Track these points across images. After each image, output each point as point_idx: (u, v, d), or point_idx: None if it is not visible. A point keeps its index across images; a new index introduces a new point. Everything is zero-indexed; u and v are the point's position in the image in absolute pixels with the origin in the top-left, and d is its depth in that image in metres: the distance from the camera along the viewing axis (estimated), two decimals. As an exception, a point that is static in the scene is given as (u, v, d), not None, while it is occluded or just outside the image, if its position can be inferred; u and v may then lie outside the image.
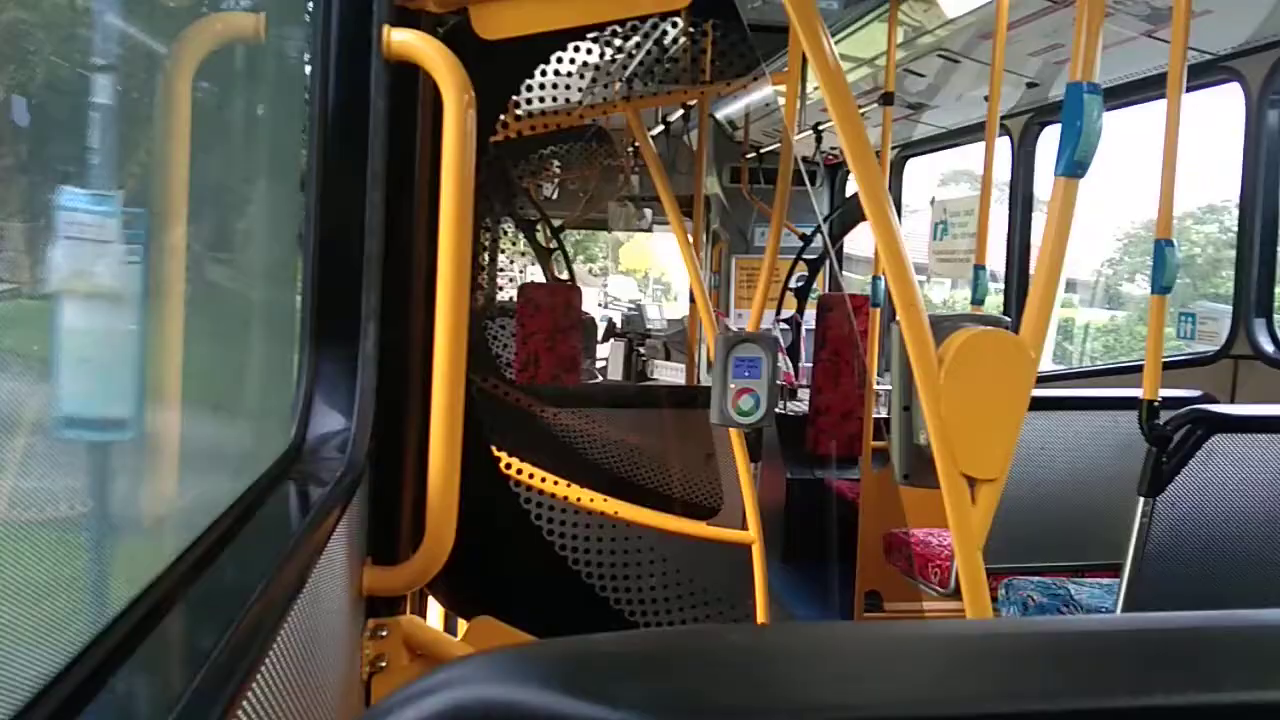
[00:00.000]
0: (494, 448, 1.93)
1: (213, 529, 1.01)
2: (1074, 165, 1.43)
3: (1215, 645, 0.54)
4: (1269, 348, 3.37)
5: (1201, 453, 2.18)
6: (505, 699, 0.45)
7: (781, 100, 3.06)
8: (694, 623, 2.19)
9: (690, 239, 2.89)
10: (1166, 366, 2.36)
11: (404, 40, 1.38)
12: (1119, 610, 2.26)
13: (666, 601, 2.12)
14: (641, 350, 8.20)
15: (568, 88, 1.76)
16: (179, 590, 0.87)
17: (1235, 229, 3.51)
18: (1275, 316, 3.43)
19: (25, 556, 0.79)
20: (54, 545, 0.89)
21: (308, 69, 1.37)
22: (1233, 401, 3.37)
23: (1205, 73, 3.47)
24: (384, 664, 1.55)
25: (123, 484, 1.07)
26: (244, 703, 0.78)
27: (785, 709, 0.45)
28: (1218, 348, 3.52)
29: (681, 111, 5.22)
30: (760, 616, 2.34)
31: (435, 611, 2.58)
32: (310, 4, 1.37)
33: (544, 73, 1.73)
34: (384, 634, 1.55)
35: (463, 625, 2.04)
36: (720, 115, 5.68)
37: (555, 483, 2.00)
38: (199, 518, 1.02)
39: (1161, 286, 2.24)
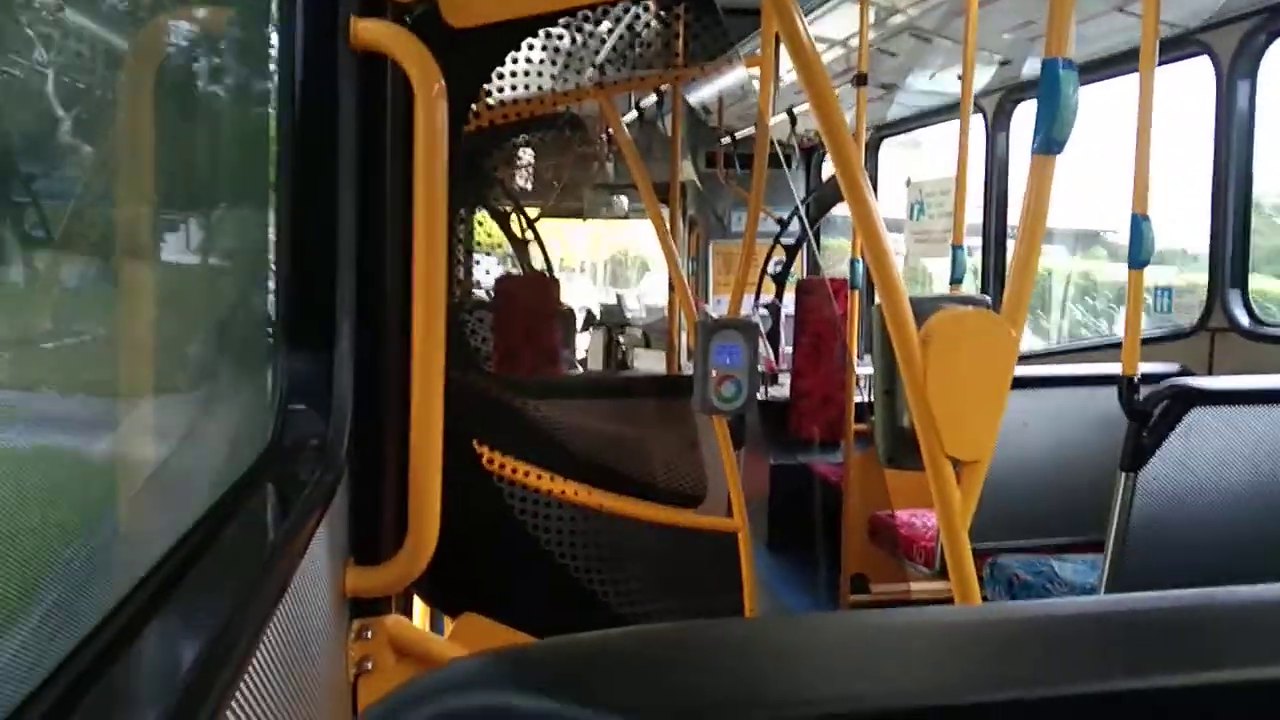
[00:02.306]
0: (475, 442, 1.91)
1: (191, 533, 0.99)
2: (1050, 142, 1.42)
3: (1206, 624, 0.53)
4: (1244, 320, 3.40)
5: (1181, 426, 2.19)
6: (500, 704, 0.44)
7: (756, 84, 3.05)
8: (681, 612, 2.19)
9: (667, 226, 2.88)
10: (1145, 342, 2.38)
11: (371, 30, 1.36)
12: (1103, 586, 2.28)
13: (653, 592, 2.12)
14: (621, 339, 8.18)
15: (539, 75, 1.74)
16: (159, 596, 0.85)
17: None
18: (1249, 289, 3.46)
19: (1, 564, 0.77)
20: (27, 552, 0.86)
21: (273, 62, 1.34)
22: (1210, 374, 3.39)
23: (1177, 46, 3.48)
24: (370, 665, 1.53)
25: (95, 488, 1.05)
26: (228, 709, 0.76)
27: (785, 704, 0.44)
28: (1194, 322, 3.55)
29: (655, 97, 5.20)
30: (747, 604, 2.34)
31: (420, 609, 2.56)
32: (274, -5, 1.34)
33: (515, 60, 1.71)
34: (369, 635, 1.53)
35: (449, 623, 2.03)
36: (694, 100, 5.66)
37: (538, 476, 1.98)
38: (175, 520, 1.00)
39: (1139, 261, 2.25)
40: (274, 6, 1.33)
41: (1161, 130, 2.28)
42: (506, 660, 0.48)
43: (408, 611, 2.05)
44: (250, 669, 0.83)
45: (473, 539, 1.89)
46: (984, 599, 2.11)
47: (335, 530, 1.38)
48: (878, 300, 1.48)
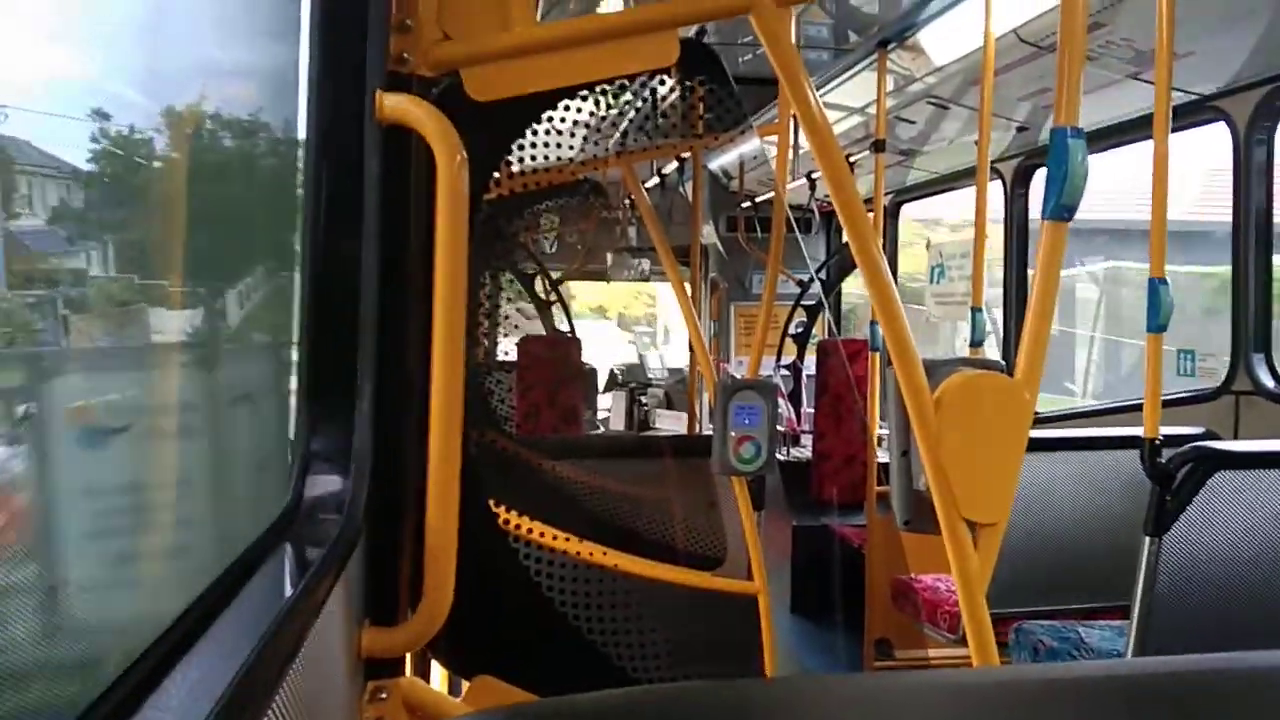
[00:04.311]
0: (492, 502, 1.92)
1: (209, 591, 1.01)
2: (1061, 209, 1.44)
3: (1232, 686, 0.53)
4: (1269, 383, 3.37)
5: (1205, 490, 2.17)
6: None
7: (773, 151, 3.10)
8: (700, 677, 2.16)
9: (688, 288, 2.91)
10: (1167, 404, 2.36)
11: (397, 104, 1.41)
12: (1130, 651, 2.23)
13: (671, 656, 2.10)
14: (643, 400, 8.19)
15: (560, 145, 1.78)
16: (175, 654, 0.87)
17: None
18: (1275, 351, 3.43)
19: (15, 618, 0.79)
20: (44, 607, 0.88)
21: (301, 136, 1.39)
22: (1236, 438, 3.35)
23: (1192, 112, 3.51)
24: None
25: (114, 544, 1.07)
26: None
27: None
28: (1218, 384, 3.52)
29: (676, 164, 5.29)
30: (768, 668, 2.31)
31: (439, 672, 2.55)
32: (303, 71, 1.39)
33: (536, 131, 1.76)
34: (384, 696, 1.53)
35: (466, 685, 2.01)
36: (715, 165, 5.75)
37: (555, 537, 1.98)
38: (194, 578, 1.02)
39: (1157, 325, 2.24)
40: (303, 81, 1.39)
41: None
42: (513, 717, 0.48)
43: (425, 673, 2.04)
44: None
45: (489, 600, 1.89)
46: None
47: (352, 590, 1.39)
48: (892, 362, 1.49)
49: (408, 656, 1.61)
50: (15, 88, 0.78)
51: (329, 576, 1.14)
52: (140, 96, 1.06)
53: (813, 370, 5.56)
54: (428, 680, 2.02)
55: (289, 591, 1.09)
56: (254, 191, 1.48)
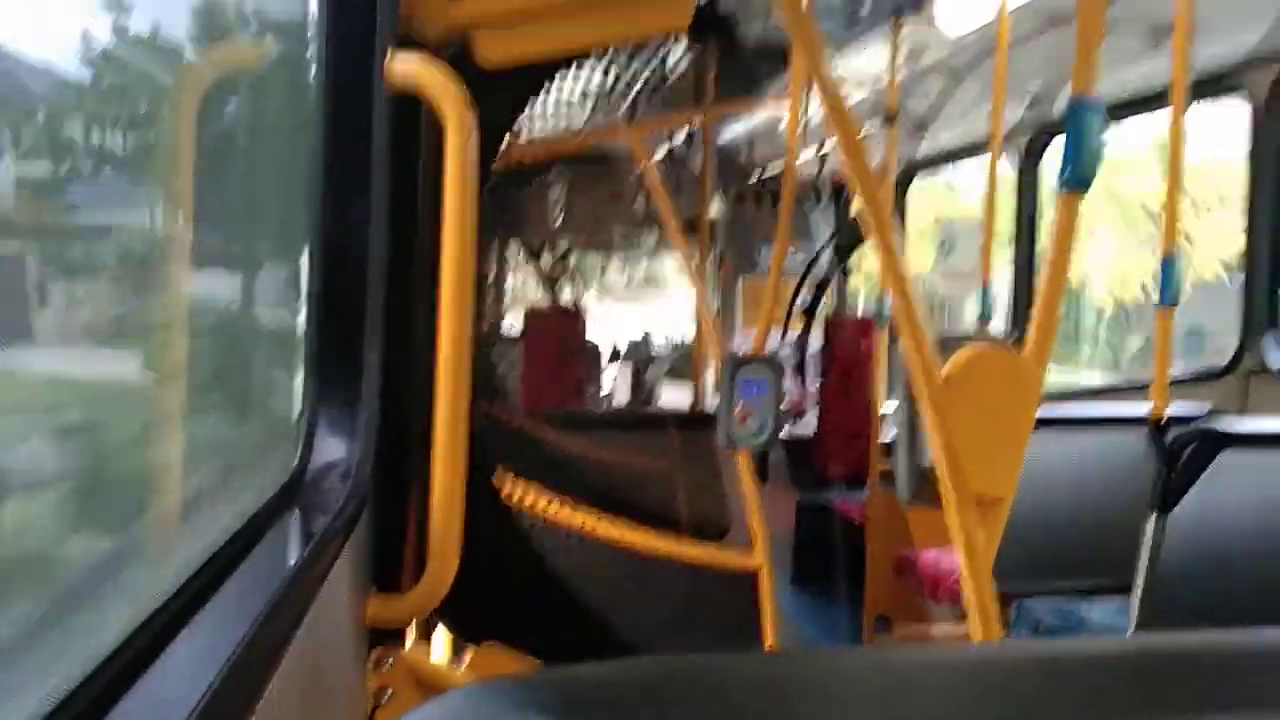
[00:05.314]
0: (498, 473, 1.92)
1: (214, 558, 1.00)
2: (1076, 180, 1.42)
3: (1220, 665, 0.53)
4: (1278, 363, 3.35)
5: (1211, 469, 2.16)
6: None
7: (784, 122, 3.08)
8: (701, 648, 2.17)
9: (695, 261, 2.90)
10: (1175, 383, 2.35)
11: (405, 69, 1.39)
12: (1131, 630, 2.23)
13: (672, 628, 2.11)
14: (647, 374, 8.18)
15: (569, 113, 1.77)
16: (180, 619, 0.86)
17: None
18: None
19: (17, 585, 0.79)
20: (47, 573, 0.88)
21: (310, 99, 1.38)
22: (1243, 417, 3.34)
23: (1209, 86, 3.47)
24: (389, 695, 1.53)
25: (122, 511, 1.07)
26: None
27: None
28: (1226, 363, 3.50)
29: (685, 135, 5.25)
30: (769, 642, 2.32)
31: (444, 640, 2.56)
32: (312, 35, 1.38)
33: (546, 99, 1.74)
34: (389, 664, 1.54)
35: (470, 653, 2.03)
36: (724, 137, 5.70)
37: (559, 508, 1.99)
38: (199, 546, 1.01)
39: (1169, 300, 2.23)
40: (311, 44, 1.37)
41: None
42: (513, 688, 0.48)
43: (430, 639, 2.05)
44: (266, 695, 0.84)
45: (493, 569, 1.89)
46: None
47: (357, 558, 1.39)
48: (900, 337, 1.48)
49: (412, 624, 1.61)
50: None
51: (334, 544, 1.14)
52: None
53: (819, 345, 5.55)
54: (431, 648, 2.03)
55: (293, 559, 1.09)
56: (260, 159, 1.47)
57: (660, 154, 5.87)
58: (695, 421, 2.93)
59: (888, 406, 4.19)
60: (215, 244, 1.29)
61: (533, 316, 4.58)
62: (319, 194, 1.35)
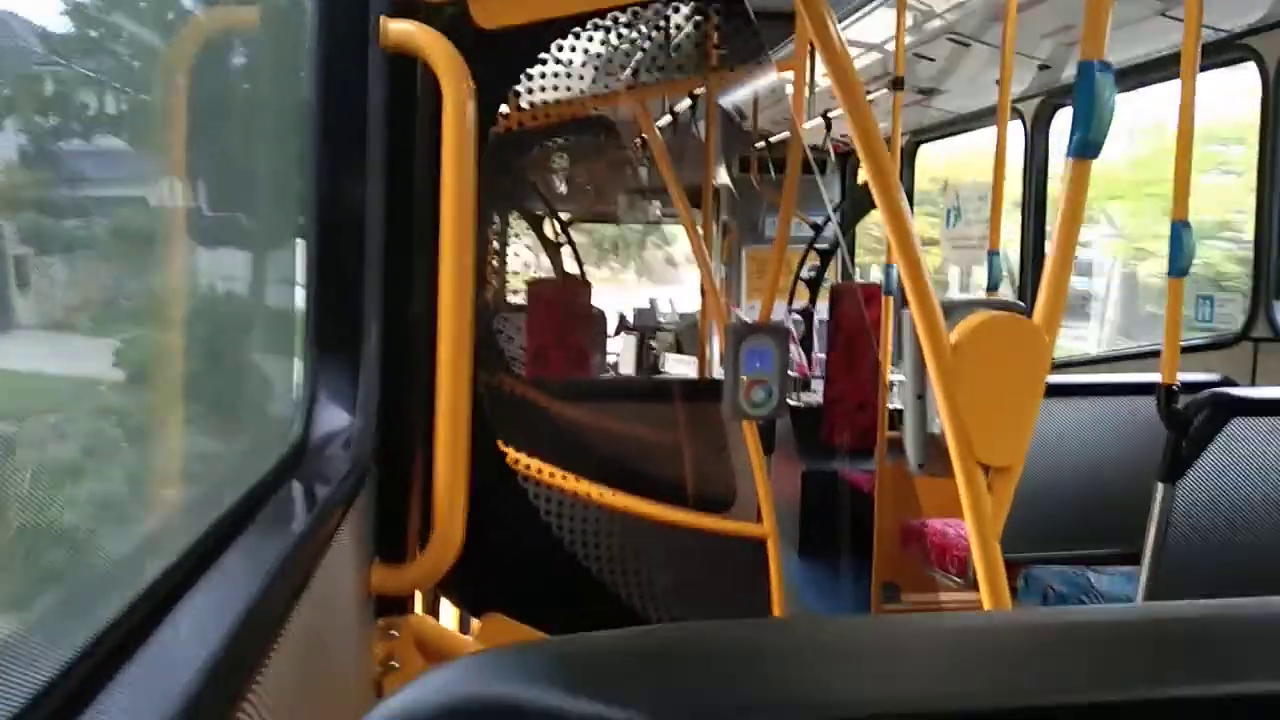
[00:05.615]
0: (501, 442, 1.91)
1: (216, 529, 1.00)
2: (1087, 146, 1.40)
3: (1229, 634, 0.52)
4: None
5: (1221, 436, 2.14)
6: (505, 697, 0.43)
7: (789, 88, 3.04)
8: (708, 617, 2.17)
9: (700, 230, 2.87)
10: (1185, 351, 2.33)
11: (402, 31, 1.36)
12: (1140, 598, 2.23)
13: (679, 597, 2.11)
14: (653, 344, 8.17)
15: (570, 77, 1.74)
16: (182, 590, 0.86)
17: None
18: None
19: (20, 555, 0.78)
20: (51, 543, 0.87)
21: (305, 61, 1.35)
22: (1254, 385, 3.32)
23: (1221, 51, 3.41)
24: (395, 664, 1.54)
25: (124, 483, 1.06)
26: (246, 703, 0.76)
27: (794, 705, 0.43)
28: (1237, 330, 3.47)
29: (689, 101, 5.19)
30: (775, 611, 2.32)
31: (450, 610, 2.57)
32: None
33: (545, 62, 1.71)
34: (394, 633, 1.54)
35: (475, 623, 2.03)
36: (729, 103, 5.64)
37: (564, 477, 1.98)
38: (201, 516, 1.01)
39: (1179, 269, 2.20)
40: (306, 7, 1.35)
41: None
42: (518, 656, 0.47)
43: (435, 612, 2.06)
44: (269, 663, 0.83)
45: (498, 539, 1.89)
46: None
47: (361, 528, 1.38)
48: (908, 304, 1.46)
49: (418, 595, 1.61)
50: None
51: (336, 513, 1.14)
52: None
53: (825, 314, 5.52)
54: (438, 618, 2.03)
55: (296, 529, 1.08)
56: (253, 125, 1.45)
57: (664, 120, 5.82)
58: (700, 391, 2.92)
59: (896, 374, 4.17)
60: (208, 211, 1.28)
61: (536, 286, 4.57)
62: (314, 159, 1.34)
